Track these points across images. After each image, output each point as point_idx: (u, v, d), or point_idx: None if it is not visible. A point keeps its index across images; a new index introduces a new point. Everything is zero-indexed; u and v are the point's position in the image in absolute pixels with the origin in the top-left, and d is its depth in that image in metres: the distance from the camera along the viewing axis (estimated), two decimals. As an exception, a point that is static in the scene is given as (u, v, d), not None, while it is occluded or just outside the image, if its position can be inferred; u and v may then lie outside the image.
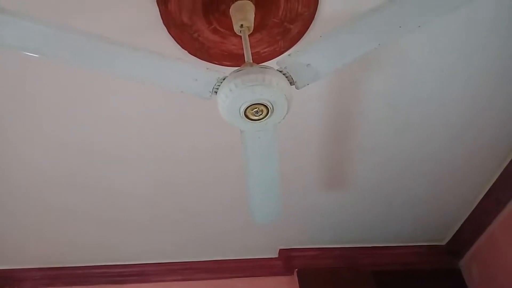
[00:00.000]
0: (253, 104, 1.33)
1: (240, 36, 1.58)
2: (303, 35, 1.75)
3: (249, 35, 1.57)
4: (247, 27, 1.56)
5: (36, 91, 1.89)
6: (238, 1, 1.59)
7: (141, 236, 2.68)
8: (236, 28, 1.57)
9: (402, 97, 2.08)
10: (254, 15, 1.60)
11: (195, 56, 1.78)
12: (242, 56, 1.55)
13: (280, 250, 2.89)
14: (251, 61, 1.45)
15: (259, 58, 1.77)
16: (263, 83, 1.29)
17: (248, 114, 1.35)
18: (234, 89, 1.30)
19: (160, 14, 1.63)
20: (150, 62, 1.34)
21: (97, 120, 2.03)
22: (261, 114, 1.36)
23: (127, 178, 2.32)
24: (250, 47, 1.53)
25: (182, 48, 1.75)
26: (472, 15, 1.79)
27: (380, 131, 2.23)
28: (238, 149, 1.63)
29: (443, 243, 3.03)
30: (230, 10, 1.59)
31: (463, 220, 2.84)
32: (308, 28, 1.73)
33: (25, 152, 2.13)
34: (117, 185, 2.35)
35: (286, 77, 1.36)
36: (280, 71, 1.36)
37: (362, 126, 2.20)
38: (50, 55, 1.32)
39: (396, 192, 2.60)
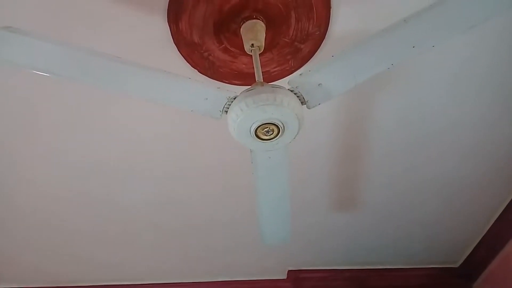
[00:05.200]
0: (264, 124, 1.31)
1: (251, 55, 1.57)
2: (314, 54, 1.75)
3: (259, 54, 1.56)
4: (258, 46, 1.55)
5: (42, 109, 1.89)
6: (249, 21, 1.59)
7: (148, 254, 2.66)
8: (247, 47, 1.57)
9: (413, 114, 2.06)
10: (264, 35, 1.60)
11: (205, 75, 1.78)
12: (252, 75, 1.55)
13: (289, 271, 2.84)
14: (262, 81, 1.43)
15: (270, 77, 1.77)
16: (274, 102, 1.28)
17: (258, 133, 1.34)
18: (245, 109, 1.29)
19: (171, 33, 1.64)
20: (161, 80, 1.34)
21: (105, 138, 2.03)
22: (272, 134, 1.35)
23: (134, 196, 2.30)
24: (261, 66, 1.52)
25: (192, 67, 1.75)
26: (482, 34, 1.77)
27: (391, 150, 2.21)
28: (246, 167, 1.61)
29: (456, 265, 2.97)
30: (241, 29, 1.59)
31: (476, 242, 2.79)
32: (319, 47, 1.73)
33: (32, 173, 2.13)
34: (124, 203, 2.34)
35: (298, 96, 1.34)
36: (291, 91, 1.34)
37: (372, 144, 2.17)
38: (60, 74, 1.32)
39: (407, 212, 2.56)
